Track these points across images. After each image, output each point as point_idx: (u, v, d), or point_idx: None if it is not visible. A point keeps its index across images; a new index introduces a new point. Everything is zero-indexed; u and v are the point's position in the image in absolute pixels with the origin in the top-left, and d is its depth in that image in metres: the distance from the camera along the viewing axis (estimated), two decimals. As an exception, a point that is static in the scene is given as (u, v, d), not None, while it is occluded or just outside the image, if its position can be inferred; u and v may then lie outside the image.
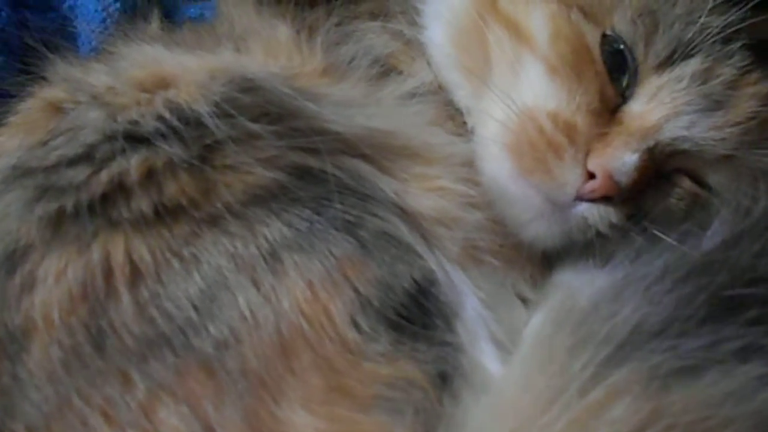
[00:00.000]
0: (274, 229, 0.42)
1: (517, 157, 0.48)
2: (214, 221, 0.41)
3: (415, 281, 0.43)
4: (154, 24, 0.56)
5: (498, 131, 0.50)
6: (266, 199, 0.42)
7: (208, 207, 0.41)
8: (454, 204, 0.46)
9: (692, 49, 0.48)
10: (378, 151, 0.46)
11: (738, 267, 0.42)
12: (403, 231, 0.45)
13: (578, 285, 0.45)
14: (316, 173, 0.44)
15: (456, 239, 0.46)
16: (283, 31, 0.53)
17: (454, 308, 0.44)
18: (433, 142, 0.48)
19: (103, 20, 0.62)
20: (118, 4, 0.63)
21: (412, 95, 0.53)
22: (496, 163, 0.50)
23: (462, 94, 0.54)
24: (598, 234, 0.48)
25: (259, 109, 0.43)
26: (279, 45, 0.51)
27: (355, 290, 0.41)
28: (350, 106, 0.47)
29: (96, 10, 0.63)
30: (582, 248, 0.50)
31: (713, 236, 0.44)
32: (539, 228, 0.49)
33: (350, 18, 0.58)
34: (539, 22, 0.50)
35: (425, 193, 0.46)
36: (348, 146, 0.45)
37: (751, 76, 0.50)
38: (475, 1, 0.54)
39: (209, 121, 0.41)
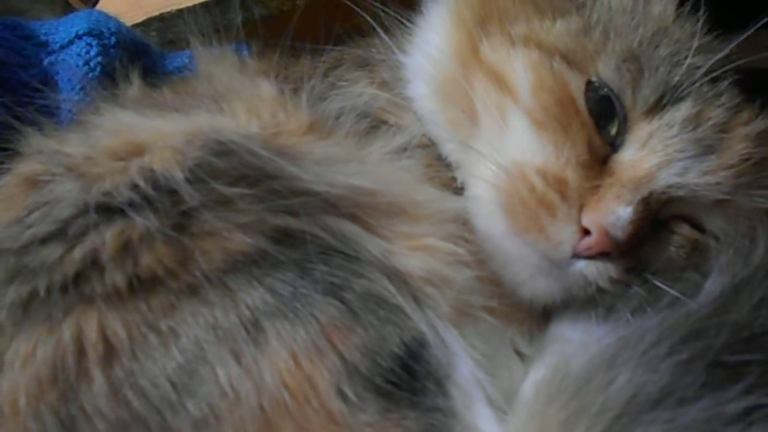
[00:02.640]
0: (255, 297, 0.41)
1: (510, 216, 0.48)
2: (192, 291, 0.40)
3: (405, 344, 0.42)
4: (134, 86, 0.56)
5: (489, 188, 0.49)
6: (247, 265, 0.41)
7: (186, 277, 0.40)
8: (442, 263, 0.45)
9: (681, 92, 0.47)
10: (363, 210, 0.45)
11: (737, 324, 0.40)
12: (391, 292, 0.44)
13: (573, 347, 0.44)
14: (298, 236, 0.43)
15: (447, 298, 0.45)
16: (266, 88, 0.52)
17: (447, 370, 0.43)
18: (420, 199, 0.47)
19: (86, 74, 0.62)
20: (100, 58, 0.64)
21: (402, 150, 0.52)
22: (490, 222, 0.49)
23: (450, 148, 0.54)
24: (599, 289, 0.47)
25: (236, 172, 0.43)
26: (262, 103, 0.51)
27: (341, 357, 0.40)
28: (332, 164, 0.46)
29: (78, 65, 0.63)
30: (582, 301, 0.49)
31: (712, 286, 0.43)
32: (537, 286, 0.48)
33: (335, 69, 0.58)
34: (521, 73, 0.50)
35: (413, 252, 0.45)
36: (331, 206, 0.44)
37: (741, 116, 0.49)
38: (458, 52, 0.54)
39: (184, 189, 0.41)
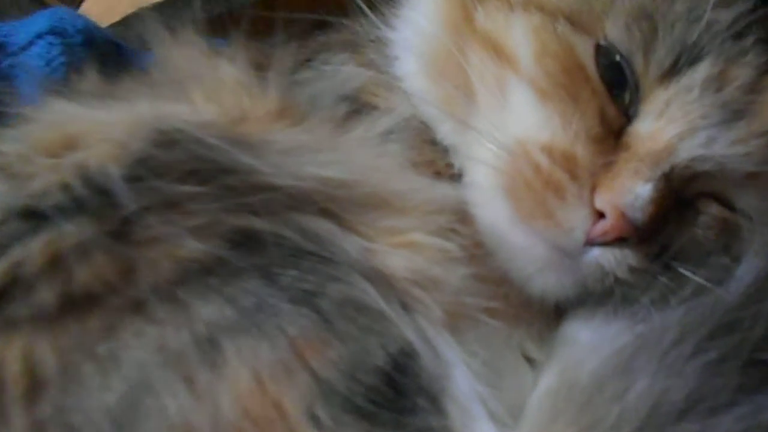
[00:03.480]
0: (212, 310, 0.35)
1: (514, 202, 0.42)
2: (137, 308, 0.34)
3: (390, 356, 0.36)
4: (88, 78, 0.50)
5: (489, 172, 0.43)
6: (202, 274, 0.36)
7: (130, 291, 0.35)
8: (431, 261, 0.39)
9: (699, 52, 0.40)
10: (338, 204, 0.40)
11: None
12: (373, 296, 0.38)
13: (583, 350, 0.37)
14: (261, 238, 0.37)
15: (439, 301, 0.39)
16: (228, 71, 0.47)
17: (441, 384, 0.37)
18: (403, 189, 0.41)
19: (47, 75, 0.58)
20: (63, 58, 0.60)
21: (387, 135, 0.47)
22: (491, 210, 0.43)
23: (445, 130, 0.48)
24: (618, 280, 0.41)
25: (184, 167, 0.37)
26: (223, 88, 0.46)
27: (314, 376, 0.34)
28: (301, 153, 0.40)
29: (39, 66, 0.59)
30: (599, 295, 0.42)
31: (745, 271, 0.37)
32: (548, 280, 0.43)
33: (316, 52, 0.53)
34: (521, 39, 0.44)
35: (396, 249, 0.39)
36: (300, 202, 0.39)
37: None
38: (449, 22, 0.48)
39: (120, 189, 0.35)
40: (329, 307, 0.36)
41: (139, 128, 0.38)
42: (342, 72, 0.50)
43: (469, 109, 0.45)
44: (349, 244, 0.39)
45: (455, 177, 0.47)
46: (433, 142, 0.48)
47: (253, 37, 0.52)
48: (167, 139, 0.37)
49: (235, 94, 0.45)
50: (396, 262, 0.39)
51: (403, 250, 0.39)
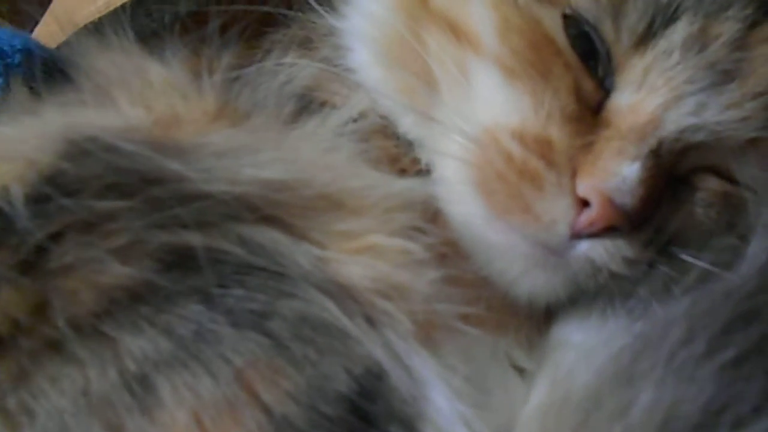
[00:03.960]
0: (144, 343, 0.30)
1: (488, 197, 0.38)
2: (54, 348, 0.30)
3: (355, 380, 0.32)
4: (17, 97, 0.45)
5: (458, 166, 0.39)
6: (130, 303, 0.31)
7: (44, 330, 0.30)
8: (394, 265, 0.34)
9: (675, 10, 0.36)
10: (284, 209, 0.35)
11: None
12: (333, 312, 0.33)
13: (577, 355, 0.32)
14: (198, 255, 0.32)
15: (408, 311, 0.34)
16: (158, 74, 0.42)
17: (416, 406, 0.32)
18: (358, 186, 0.37)
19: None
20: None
21: (341, 131, 0.42)
22: (464, 207, 0.39)
23: (407, 123, 0.43)
24: (612, 275, 0.37)
25: (102, 180, 0.32)
26: (151, 90, 0.41)
27: (266, 411, 0.29)
28: (239, 155, 0.36)
29: None
30: (594, 293, 0.38)
31: (757, 251, 0.32)
32: (534, 282, 0.38)
33: (265, 50, 0.48)
34: (481, 15, 0.40)
35: (354, 256, 0.35)
36: (239, 210, 0.34)
37: (762, 29, 0.37)
38: (402, 5, 0.44)
39: (21, 212, 0.30)
40: (282, 328, 0.32)
41: (48, 141, 0.33)
42: (292, 69, 0.46)
43: (431, 98, 0.41)
44: (301, 254, 0.34)
45: (423, 173, 0.42)
46: (396, 137, 0.43)
47: (197, 40, 0.48)
48: (78, 151, 0.32)
49: (167, 96, 0.41)
50: (355, 270, 0.34)
51: (363, 256, 0.34)
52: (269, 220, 0.35)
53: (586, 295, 0.38)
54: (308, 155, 0.38)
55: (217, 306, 0.32)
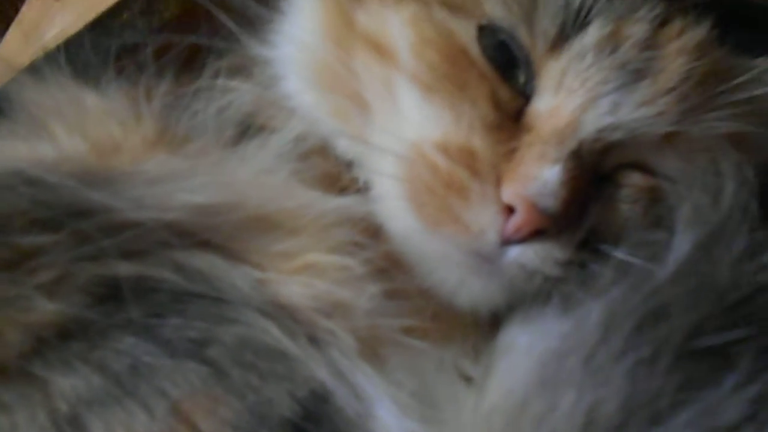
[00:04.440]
0: (75, 382, 0.29)
1: (419, 210, 0.38)
2: (-23, 395, 0.28)
3: (299, 403, 0.31)
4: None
5: (392, 183, 0.39)
6: (61, 340, 0.30)
7: (-33, 373, 0.28)
8: (333, 283, 0.34)
9: (587, 14, 0.37)
10: (219, 233, 0.34)
11: (715, 290, 0.29)
12: (274, 335, 0.33)
13: (515, 359, 0.32)
14: (131, 285, 0.31)
15: (350, 328, 0.34)
16: (94, 103, 0.41)
17: (363, 425, 0.32)
18: (293, 206, 0.36)
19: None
20: None
21: (279, 154, 0.41)
22: (400, 222, 0.39)
23: (343, 144, 0.43)
24: (547, 277, 0.37)
25: (27, 215, 0.31)
26: (89, 119, 0.40)
27: None
28: (172, 180, 0.35)
29: None
30: (534, 296, 0.38)
31: (679, 245, 0.32)
32: (472, 289, 0.38)
33: (204, 78, 0.48)
34: (399, 32, 0.40)
35: (293, 276, 0.34)
36: (172, 236, 0.33)
37: (671, 27, 0.39)
38: (330, 30, 0.44)
39: None
40: (221, 355, 0.31)
41: None
42: (230, 95, 0.45)
43: (363, 119, 0.41)
44: (239, 278, 0.33)
45: (362, 190, 0.42)
46: (335, 157, 0.43)
47: (133, 70, 0.47)
48: (1, 186, 0.31)
49: (104, 124, 0.40)
50: (295, 290, 0.33)
51: (301, 275, 0.34)
52: (205, 244, 0.34)
53: (528, 298, 0.38)
54: (244, 178, 0.38)
55: (153, 337, 0.31)
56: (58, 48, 0.55)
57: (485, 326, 0.40)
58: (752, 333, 0.28)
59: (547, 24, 0.37)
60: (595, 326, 0.30)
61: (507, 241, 0.36)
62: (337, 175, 0.43)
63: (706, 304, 0.29)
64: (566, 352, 0.30)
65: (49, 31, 0.78)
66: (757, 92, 0.38)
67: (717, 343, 0.28)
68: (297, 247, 0.35)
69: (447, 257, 0.37)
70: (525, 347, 0.33)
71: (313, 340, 0.33)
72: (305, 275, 0.34)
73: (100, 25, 0.70)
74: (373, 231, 0.39)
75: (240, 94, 0.45)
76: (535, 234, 0.36)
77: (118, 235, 0.31)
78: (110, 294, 0.31)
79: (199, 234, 0.34)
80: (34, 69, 0.52)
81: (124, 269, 0.31)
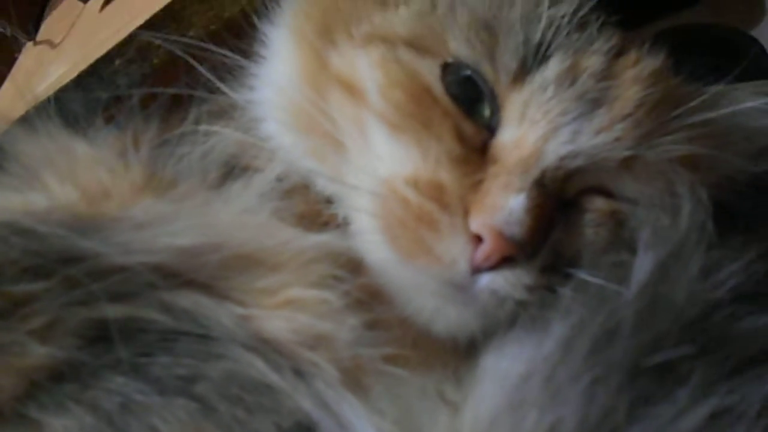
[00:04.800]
0: (69, 422, 0.30)
1: (394, 243, 0.39)
2: (-27, 438, 0.29)
3: None
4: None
5: (368, 218, 0.40)
6: (54, 383, 0.31)
7: (-37, 420, 0.29)
8: (314, 316, 0.35)
9: (547, 49, 0.39)
10: (204, 272, 0.36)
11: (670, 309, 0.31)
12: (260, 369, 0.34)
13: (487, 384, 0.33)
14: (121, 327, 0.33)
15: (333, 360, 0.35)
16: (84, 151, 0.43)
17: None
18: (273, 243, 0.38)
19: None
20: None
21: (261, 193, 0.43)
22: (378, 254, 0.40)
23: (322, 182, 0.45)
24: (518, 302, 0.38)
25: (18, 264, 0.32)
26: (79, 167, 0.42)
27: None
28: (157, 225, 0.36)
29: None
30: (509, 321, 0.39)
31: (642, 266, 0.34)
32: (448, 317, 0.39)
33: (189, 123, 0.50)
34: (368, 73, 0.42)
35: (275, 311, 0.35)
36: (159, 278, 0.34)
37: (626, 58, 0.41)
38: (306, 72, 0.46)
39: None
40: (209, 390, 0.32)
41: None
42: (213, 139, 0.47)
43: (339, 158, 0.43)
44: (224, 315, 0.34)
45: (342, 225, 0.43)
46: (316, 194, 0.45)
47: (121, 119, 0.49)
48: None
49: (93, 171, 0.41)
50: (277, 324, 0.35)
51: (283, 310, 0.35)
52: (191, 284, 0.35)
53: (502, 323, 0.39)
54: (226, 218, 0.39)
55: (143, 375, 0.32)
56: (48, 99, 0.58)
57: (465, 351, 0.41)
58: (703, 348, 0.29)
59: (509, 59, 0.39)
60: (556, 347, 0.31)
61: (477, 270, 0.37)
62: (317, 211, 0.44)
63: (662, 322, 0.31)
64: (530, 373, 0.31)
65: (43, 82, 0.81)
66: (710, 116, 0.40)
67: (667, 359, 0.29)
68: (278, 283, 0.36)
69: (422, 287, 0.39)
70: (496, 372, 0.34)
71: (298, 373, 0.34)
72: (287, 310, 0.35)
73: (94, 72, 0.73)
74: (354, 264, 0.40)
75: (222, 138, 0.47)
76: (504, 261, 0.37)
77: (107, 279, 0.33)
78: (100, 336, 0.32)
79: (184, 274, 0.35)
80: (25, 120, 0.54)
81: (114, 311, 0.33)
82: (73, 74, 0.72)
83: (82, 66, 0.70)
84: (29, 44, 1.23)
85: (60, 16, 1.22)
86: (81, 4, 1.05)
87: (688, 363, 0.29)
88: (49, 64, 1.03)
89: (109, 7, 0.82)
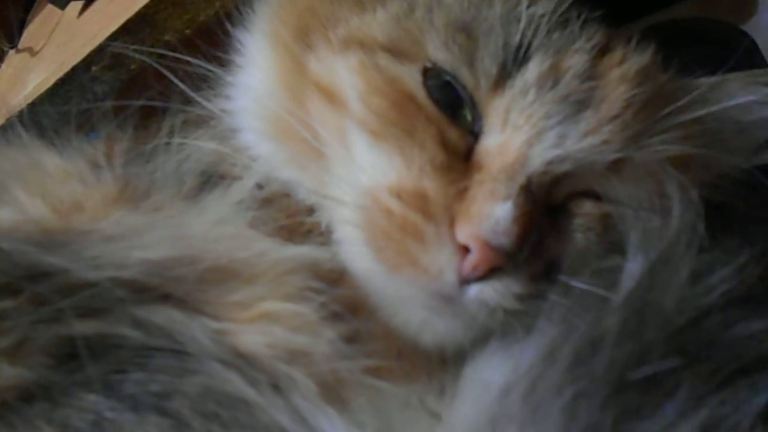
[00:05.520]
0: None
1: (379, 254, 0.39)
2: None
3: None
4: None
5: (351, 227, 0.41)
6: (23, 402, 0.32)
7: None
8: (290, 330, 0.36)
9: (527, 51, 0.40)
10: (177, 286, 0.36)
11: (658, 319, 0.31)
12: (236, 384, 0.34)
13: (474, 395, 0.33)
14: (92, 344, 0.33)
15: (311, 373, 0.35)
16: (54, 163, 0.44)
17: None
18: (248, 255, 0.38)
19: None
20: None
21: (239, 203, 0.43)
22: (362, 265, 0.41)
23: (303, 191, 0.45)
24: (509, 312, 0.38)
25: None
26: (49, 179, 0.42)
27: None
28: (128, 237, 0.37)
29: None
30: (499, 330, 0.39)
31: (630, 274, 0.34)
32: (436, 329, 0.39)
33: (160, 131, 0.50)
34: (347, 80, 0.42)
35: (250, 325, 0.36)
36: (131, 292, 0.35)
37: (611, 56, 0.42)
38: (283, 78, 0.46)
39: None
40: (183, 406, 0.33)
41: None
42: (189, 148, 0.47)
43: (320, 167, 0.43)
44: (198, 329, 0.35)
45: (325, 234, 0.44)
46: (297, 203, 0.45)
47: (99, 129, 0.50)
48: None
49: (64, 183, 0.42)
50: (253, 338, 0.35)
51: (258, 324, 0.35)
52: (164, 299, 0.36)
53: (492, 333, 0.39)
54: (200, 230, 0.39)
55: (115, 393, 0.33)
56: (21, 111, 0.58)
57: (451, 361, 0.41)
58: (692, 358, 0.29)
59: (488, 63, 0.40)
60: (537, 359, 0.31)
61: (465, 280, 0.37)
62: (298, 221, 0.44)
63: (650, 331, 0.31)
64: (510, 386, 0.31)
65: (23, 91, 0.81)
66: (700, 113, 0.40)
67: (653, 372, 0.29)
68: (253, 296, 0.36)
69: (409, 299, 0.39)
70: (477, 383, 0.34)
71: (275, 387, 0.35)
72: (262, 323, 0.36)
73: (71, 80, 0.73)
74: (335, 275, 0.41)
75: (199, 147, 0.47)
76: (492, 271, 0.37)
77: (76, 295, 0.33)
78: (72, 353, 0.33)
79: (156, 289, 0.36)
80: (2, 131, 0.55)
81: (84, 328, 0.33)
82: (51, 82, 0.73)
83: (59, 74, 0.71)
84: (11, 52, 1.23)
85: (41, 23, 1.22)
86: (60, 11, 1.05)
87: (677, 374, 0.29)
88: (29, 72, 1.04)
89: (86, 13, 0.83)
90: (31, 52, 1.17)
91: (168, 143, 0.48)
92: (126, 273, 0.34)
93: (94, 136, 0.51)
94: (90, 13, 0.81)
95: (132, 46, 0.51)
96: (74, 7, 0.91)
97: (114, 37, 0.62)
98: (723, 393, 0.31)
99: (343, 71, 0.42)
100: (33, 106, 0.65)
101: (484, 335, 0.39)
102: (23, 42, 1.27)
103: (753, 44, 0.70)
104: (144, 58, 0.46)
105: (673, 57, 0.44)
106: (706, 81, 0.43)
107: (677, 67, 0.44)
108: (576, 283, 0.37)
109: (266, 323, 0.35)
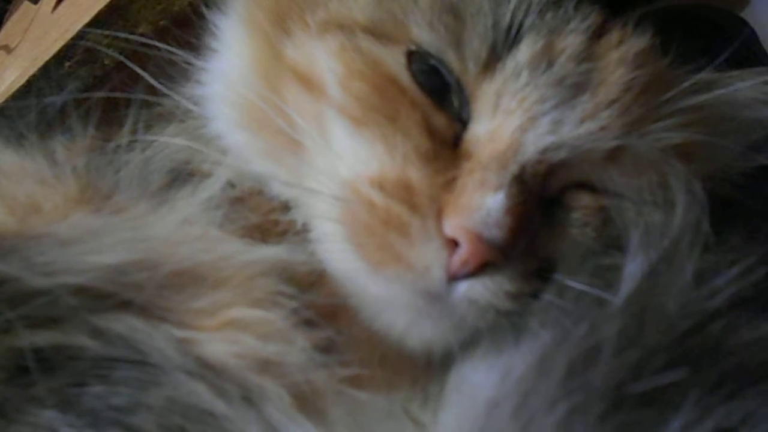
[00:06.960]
0: None
1: (361, 250, 0.38)
2: None
3: None
4: None
5: (330, 223, 0.40)
6: None
7: None
8: (260, 337, 0.35)
9: (518, 32, 0.39)
10: (138, 292, 0.36)
11: (662, 321, 0.29)
12: (203, 396, 0.34)
13: (462, 403, 0.33)
14: (48, 355, 0.33)
15: (284, 384, 0.35)
16: (12, 162, 0.43)
17: None
18: (214, 258, 0.37)
19: None
20: None
21: (208, 201, 0.43)
22: (342, 263, 0.40)
23: (278, 186, 0.45)
24: (500, 312, 0.37)
25: None
26: (6, 180, 0.42)
27: None
28: (85, 240, 0.36)
29: None
30: (489, 330, 0.38)
31: (630, 274, 0.33)
32: (423, 331, 0.39)
33: (124, 127, 0.50)
34: (326, 64, 0.41)
35: (217, 333, 0.35)
36: (88, 299, 0.34)
37: (609, 37, 0.41)
38: (258, 64, 0.46)
39: None
40: (147, 421, 0.33)
41: None
42: (156, 145, 0.47)
43: (296, 158, 0.42)
44: (161, 339, 0.34)
45: (301, 233, 0.43)
46: (271, 199, 0.45)
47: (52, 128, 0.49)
48: None
49: (23, 184, 0.41)
50: (220, 348, 0.35)
51: (225, 332, 0.35)
52: (124, 306, 0.35)
53: (481, 334, 0.38)
54: (164, 231, 0.39)
55: (74, 407, 0.32)
56: (-4, 109, 0.58)
57: (436, 366, 0.40)
58: (697, 365, 0.28)
59: (477, 45, 0.39)
60: (529, 368, 0.30)
61: (454, 277, 0.36)
62: (273, 219, 0.44)
63: (651, 337, 0.30)
64: (499, 400, 0.30)
65: (-1, 88, 0.81)
66: (704, 98, 0.40)
67: (655, 385, 0.28)
68: (219, 302, 0.36)
69: (393, 299, 0.38)
70: (464, 394, 0.34)
71: (246, 399, 0.34)
72: (229, 331, 0.35)
73: (44, 76, 0.73)
74: (311, 277, 0.40)
75: (167, 143, 0.47)
76: (483, 267, 0.36)
77: (27, 305, 0.33)
78: (25, 366, 0.33)
79: (114, 296, 0.35)
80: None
81: (37, 339, 0.33)
82: (24, 79, 0.73)
83: (32, 70, 0.71)
84: (-13, 51, 1.24)
85: (17, 20, 1.23)
86: (35, 7, 1.06)
87: (681, 384, 0.28)
88: (5, 69, 1.05)
89: (60, 8, 0.83)
90: (7, 49, 1.18)
91: (134, 140, 0.48)
92: (79, 279, 0.34)
93: (69, 135, 0.51)
94: (63, 7, 0.81)
95: (105, 37, 0.51)
96: (48, 2, 0.91)
97: (86, 30, 0.62)
98: (731, 402, 0.30)
99: (321, 55, 0.41)
100: (7, 103, 0.65)
101: (473, 337, 0.39)
102: (0, 40, 1.28)
103: (753, 33, 0.69)
104: (114, 54, 0.46)
105: (671, 43, 0.44)
106: (707, 75, 0.42)
107: (676, 53, 0.43)
108: (572, 283, 0.36)
109: (233, 331, 0.35)
